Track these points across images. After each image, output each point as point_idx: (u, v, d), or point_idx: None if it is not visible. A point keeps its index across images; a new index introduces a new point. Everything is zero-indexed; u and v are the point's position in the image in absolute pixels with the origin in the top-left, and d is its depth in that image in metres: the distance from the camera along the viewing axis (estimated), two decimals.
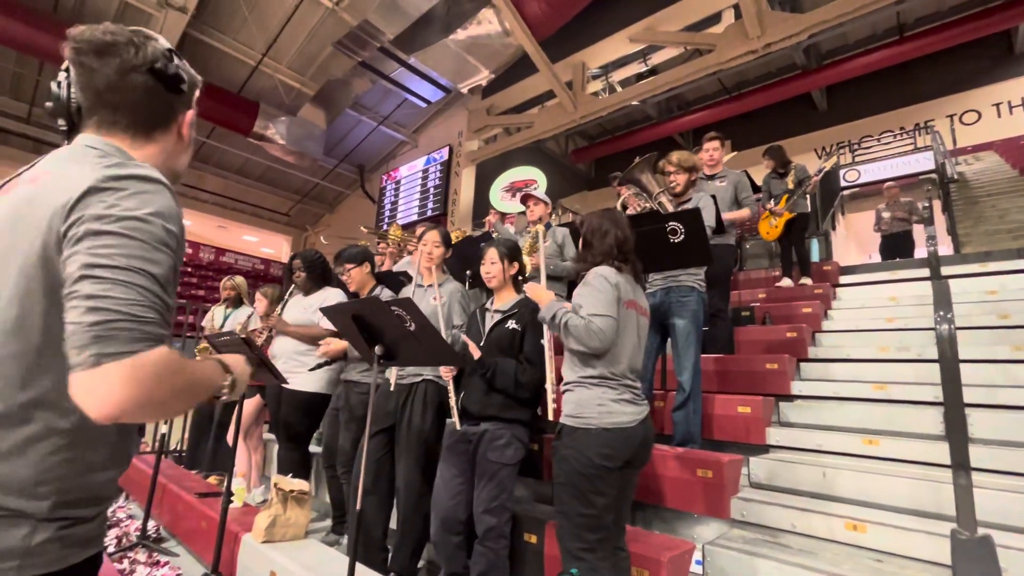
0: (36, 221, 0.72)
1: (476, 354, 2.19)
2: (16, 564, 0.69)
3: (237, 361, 0.95)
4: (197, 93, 0.99)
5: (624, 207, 3.23)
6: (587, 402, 1.74)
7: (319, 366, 2.78)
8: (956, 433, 1.38)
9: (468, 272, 3.45)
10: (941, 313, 1.42)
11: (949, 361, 1.39)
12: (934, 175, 7.83)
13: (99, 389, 0.65)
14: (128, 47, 0.83)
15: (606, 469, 1.66)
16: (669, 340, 2.95)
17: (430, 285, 2.66)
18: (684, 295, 2.82)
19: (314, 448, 3.61)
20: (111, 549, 3.05)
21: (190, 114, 0.96)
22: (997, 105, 9.48)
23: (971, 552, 0.71)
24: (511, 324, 2.23)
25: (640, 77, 8.93)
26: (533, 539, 2.22)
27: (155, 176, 0.78)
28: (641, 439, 1.75)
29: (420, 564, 2.52)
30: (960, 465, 1.37)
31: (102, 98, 0.84)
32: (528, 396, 2.17)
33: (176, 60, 0.90)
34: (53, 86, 0.87)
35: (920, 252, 6.34)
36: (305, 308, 3.17)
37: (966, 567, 0.70)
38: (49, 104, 0.88)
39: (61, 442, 0.73)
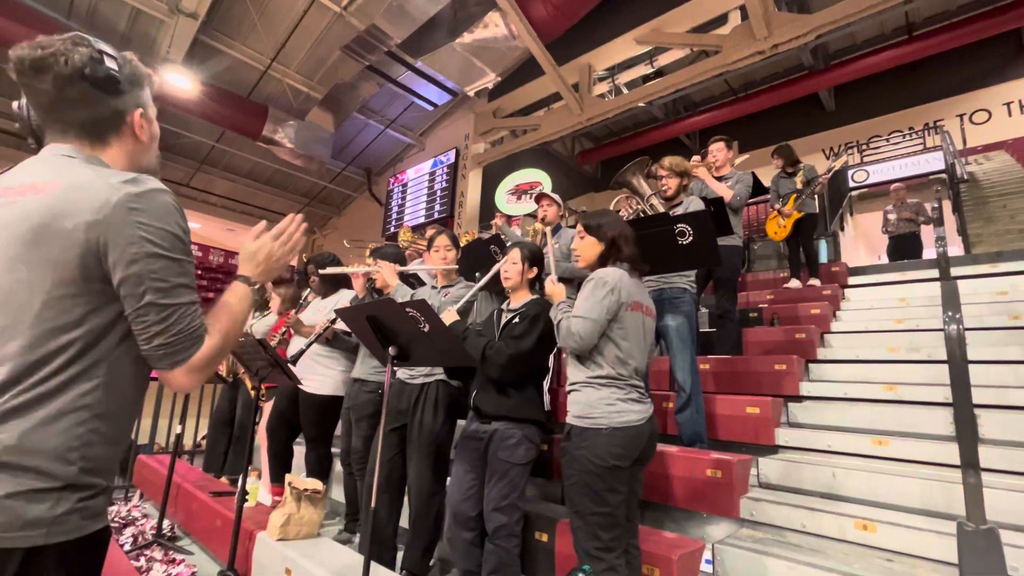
0: (68, 234, 0.82)
1: (451, 318, 2.23)
2: (44, 531, 0.80)
3: (248, 265, 1.07)
4: (148, 90, 1.00)
5: (616, 210, 3.27)
6: (596, 402, 1.76)
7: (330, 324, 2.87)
8: (965, 432, 1.39)
9: (477, 274, 3.47)
10: (950, 313, 1.44)
11: (958, 361, 1.40)
12: (944, 175, 7.79)
13: (178, 381, 0.92)
14: (58, 58, 0.87)
15: (618, 468, 1.68)
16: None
17: (444, 287, 2.70)
18: (676, 296, 2.85)
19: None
20: (127, 547, 3.10)
21: (137, 113, 0.97)
22: (1008, 104, 9.40)
23: (976, 543, 0.73)
24: (515, 320, 2.26)
25: (646, 79, 8.94)
26: (544, 537, 2.24)
27: (162, 187, 0.91)
28: (649, 436, 1.78)
29: (432, 563, 2.55)
30: (970, 464, 1.38)
31: (49, 115, 0.91)
32: (495, 376, 2.15)
33: (108, 61, 0.91)
34: (14, 107, 0.94)
35: (929, 253, 6.31)
36: (319, 310, 3.22)
37: (971, 558, 0.72)
38: (18, 125, 0.96)
39: (86, 415, 0.85)
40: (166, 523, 3.34)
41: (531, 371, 2.21)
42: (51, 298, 0.83)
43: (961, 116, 9.75)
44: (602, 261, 1.93)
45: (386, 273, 2.67)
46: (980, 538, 0.75)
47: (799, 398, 3.19)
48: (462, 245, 4.32)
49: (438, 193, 10.52)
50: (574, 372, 1.87)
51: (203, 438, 5.54)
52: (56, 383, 0.83)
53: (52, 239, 0.82)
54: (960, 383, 1.39)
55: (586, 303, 1.78)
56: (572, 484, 1.74)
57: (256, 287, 1.04)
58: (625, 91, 8.81)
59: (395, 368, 2.23)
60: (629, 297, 1.82)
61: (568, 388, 1.89)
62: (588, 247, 1.96)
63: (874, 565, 1.92)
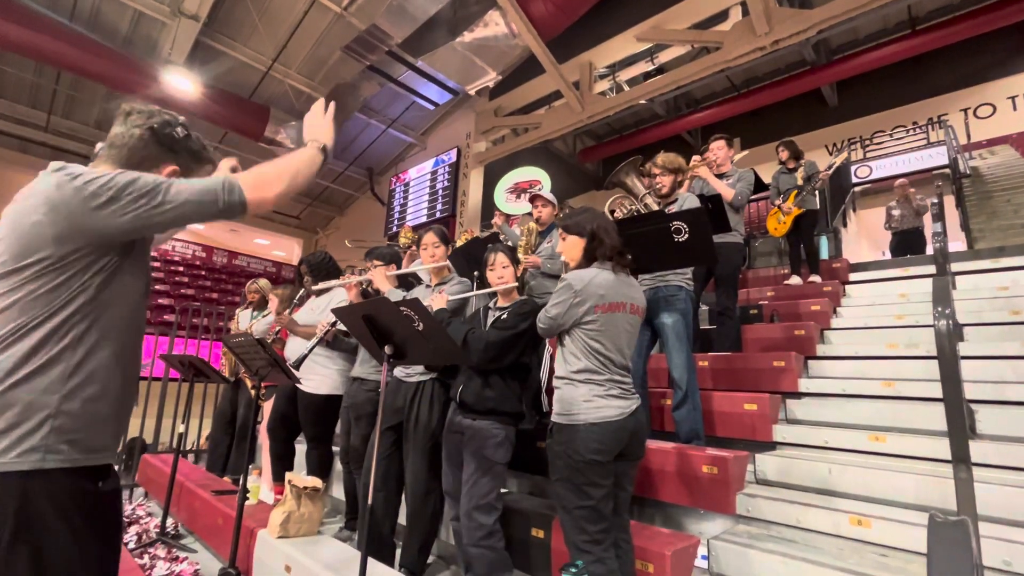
0: (34, 224, 0.98)
1: (439, 304, 2.26)
2: (40, 457, 0.94)
3: (312, 128, 1.32)
4: (201, 169, 1.24)
5: (611, 211, 3.26)
6: (574, 399, 1.80)
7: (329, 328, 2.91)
8: (956, 427, 1.40)
9: (476, 273, 3.49)
10: (939, 309, 1.44)
11: (948, 356, 1.41)
12: (947, 170, 7.74)
13: (256, 206, 1.12)
14: (146, 116, 1.15)
15: (597, 462, 1.71)
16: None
17: (437, 284, 2.72)
18: (671, 294, 2.85)
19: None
20: (132, 545, 3.14)
21: (169, 168, 1.18)
22: (1012, 98, 9.32)
23: (946, 534, 0.74)
24: (503, 316, 2.27)
25: (647, 76, 8.92)
26: (540, 534, 2.26)
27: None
28: (631, 431, 1.79)
29: (430, 560, 2.57)
30: (960, 459, 1.39)
31: (111, 141, 1.15)
32: (474, 361, 2.17)
33: (178, 129, 1.17)
34: (96, 148, 1.18)
35: (932, 249, 6.28)
36: (313, 309, 3.25)
37: (939, 548, 0.73)
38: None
39: (62, 374, 1.00)
40: (170, 521, 3.38)
41: (512, 364, 2.21)
42: (28, 282, 0.98)
43: (965, 110, 9.68)
44: (588, 256, 1.95)
45: (377, 280, 2.69)
46: (950, 529, 0.76)
47: (798, 395, 3.20)
48: (460, 244, 4.35)
49: (440, 192, 10.54)
50: (557, 369, 1.92)
51: (208, 438, 5.59)
52: (36, 353, 0.97)
53: (25, 235, 0.98)
54: (950, 378, 1.40)
55: (551, 301, 1.93)
56: (557, 480, 1.78)
57: (321, 150, 1.25)
58: (626, 88, 8.80)
59: (392, 367, 2.25)
60: (603, 299, 1.84)
61: (554, 386, 1.93)
62: (571, 246, 1.99)
63: (868, 560, 1.92)
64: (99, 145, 1.15)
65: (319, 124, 1.31)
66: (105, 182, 1.00)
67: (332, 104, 1.37)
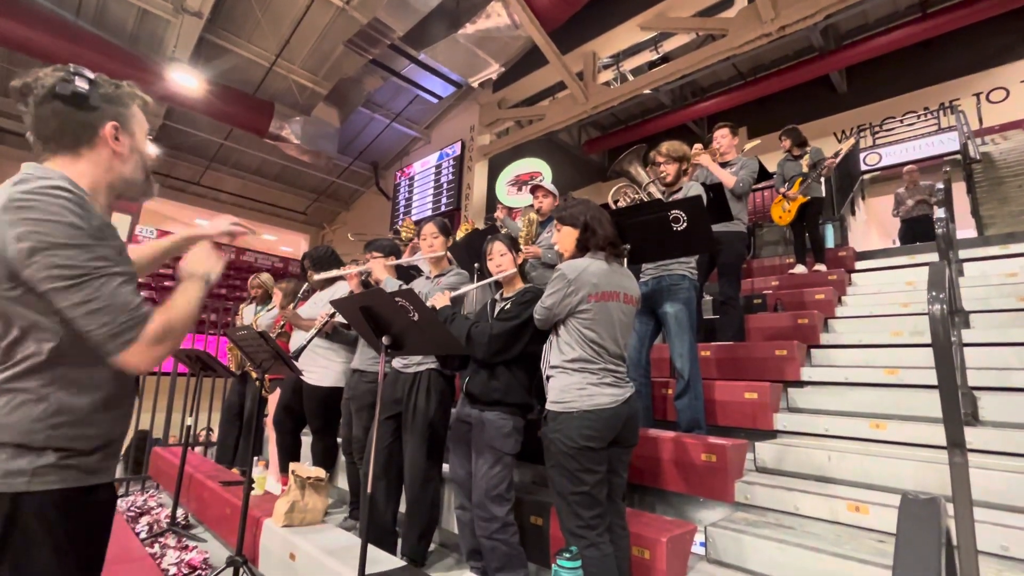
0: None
1: (442, 302, 2.26)
2: (26, 480, 0.90)
3: (197, 261, 1.11)
4: (132, 110, 1.07)
5: (615, 201, 3.25)
6: (568, 387, 1.83)
7: (330, 317, 2.94)
8: (950, 411, 1.39)
9: (476, 265, 3.50)
10: (934, 294, 1.43)
11: (942, 341, 1.40)
12: (958, 156, 7.61)
13: (136, 360, 0.93)
14: (36, 82, 0.98)
15: (591, 449, 1.74)
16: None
17: (436, 276, 2.74)
18: (674, 283, 2.85)
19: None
20: (143, 535, 3.22)
21: (109, 125, 1.03)
22: None
23: (917, 511, 0.74)
24: (507, 307, 2.28)
25: (652, 65, 8.84)
26: (539, 521, 2.28)
27: (56, 183, 0.92)
28: (624, 419, 1.82)
29: (431, 548, 2.60)
30: (955, 444, 1.39)
31: (35, 133, 1.00)
32: (480, 356, 2.17)
33: (78, 81, 0.99)
34: (28, 136, 1.03)
35: None
36: (315, 302, 3.29)
37: (907, 525, 0.74)
38: None
39: (38, 403, 0.93)
40: (180, 512, 3.45)
41: (518, 355, 2.20)
42: None
43: (978, 95, 9.50)
44: (581, 247, 1.98)
45: (375, 269, 2.72)
46: (920, 507, 0.77)
47: (800, 383, 3.19)
48: (460, 236, 4.36)
49: (444, 186, 10.54)
50: (552, 358, 1.93)
51: (203, 429, 5.68)
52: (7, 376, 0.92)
53: None
54: (944, 362, 1.39)
55: (546, 291, 1.95)
56: (551, 467, 1.81)
57: (204, 283, 1.09)
58: (630, 78, 8.72)
59: (390, 358, 2.26)
60: (596, 288, 1.86)
61: (547, 374, 1.94)
62: (565, 237, 2.02)
63: (864, 546, 1.92)
64: (29, 136, 1.01)
65: (203, 259, 1.12)
66: (31, 229, 0.86)
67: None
